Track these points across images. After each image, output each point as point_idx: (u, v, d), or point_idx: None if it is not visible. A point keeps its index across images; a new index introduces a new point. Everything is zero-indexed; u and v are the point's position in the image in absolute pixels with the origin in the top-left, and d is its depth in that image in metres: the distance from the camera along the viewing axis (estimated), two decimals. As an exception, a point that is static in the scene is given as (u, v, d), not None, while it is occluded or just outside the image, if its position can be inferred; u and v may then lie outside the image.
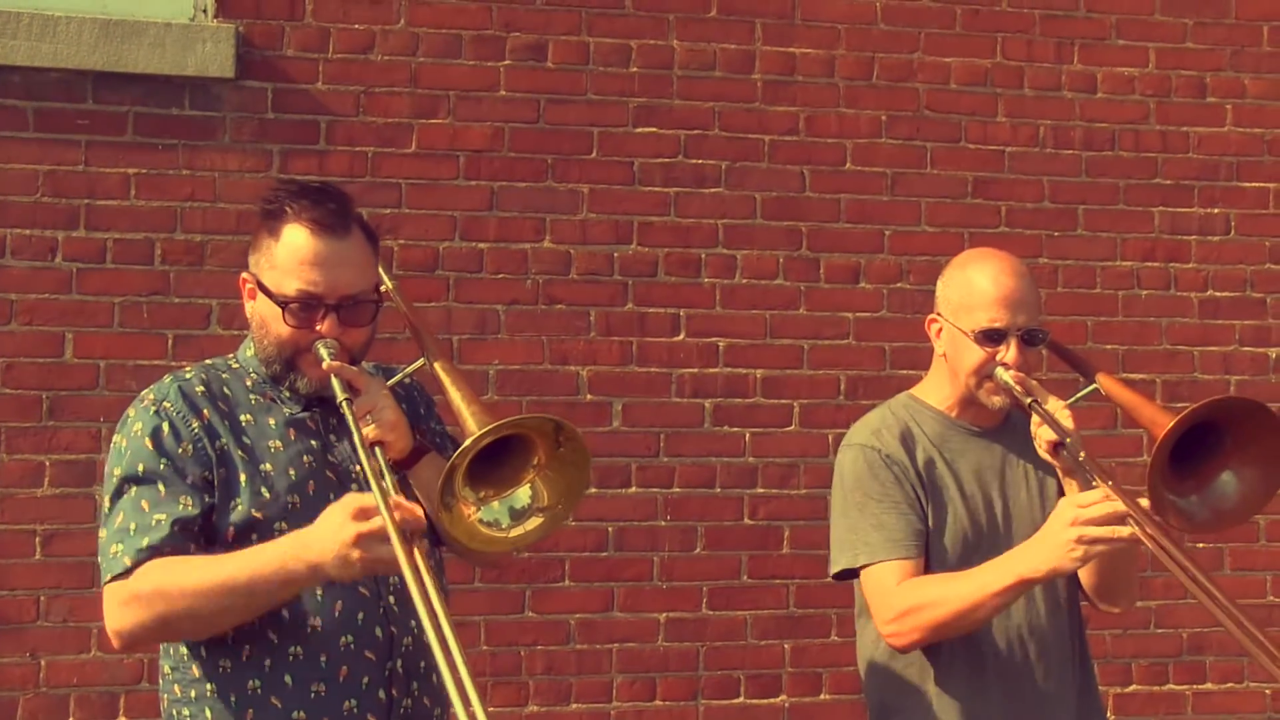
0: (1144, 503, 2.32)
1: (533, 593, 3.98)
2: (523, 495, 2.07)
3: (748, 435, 4.12)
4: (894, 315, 4.19)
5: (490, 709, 4.23)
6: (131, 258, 3.83)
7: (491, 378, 4.00)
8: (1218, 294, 4.45)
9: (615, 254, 4.10)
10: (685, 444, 4.08)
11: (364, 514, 1.97)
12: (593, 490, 4.01)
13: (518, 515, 2.07)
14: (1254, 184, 4.50)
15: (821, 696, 4.10)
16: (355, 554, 1.95)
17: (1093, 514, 2.31)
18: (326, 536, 1.98)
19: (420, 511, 1.99)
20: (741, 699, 4.07)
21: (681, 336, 4.11)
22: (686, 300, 4.11)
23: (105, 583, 2.13)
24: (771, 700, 4.08)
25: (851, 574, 2.57)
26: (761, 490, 4.12)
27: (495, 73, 4.05)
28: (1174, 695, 4.35)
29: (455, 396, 2.13)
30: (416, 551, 1.93)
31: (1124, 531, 2.29)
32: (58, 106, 3.81)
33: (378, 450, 2.11)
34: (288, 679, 2.13)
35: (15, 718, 3.70)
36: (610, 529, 4.03)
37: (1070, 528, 2.32)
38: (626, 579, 4.03)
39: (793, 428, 4.14)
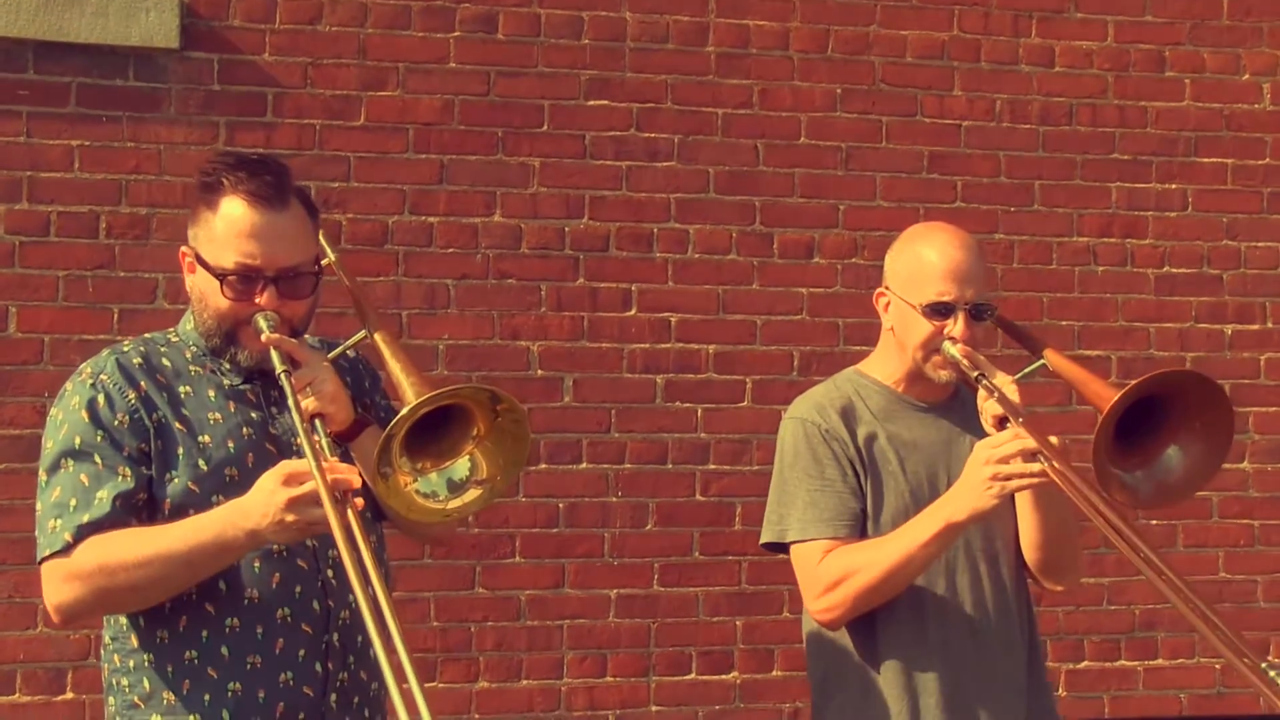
0: (1054, 440, 2.44)
1: (483, 568, 4.16)
2: (461, 467, 2.14)
3: (700, 411, 4.30)
4: (848, 291, 4.36)
5: (440, 685, 4.39)
6: (75, 231, 3.96)
7: (441, 353, 4.16)
8: (1174, 270, 4.64)
9: (566, 228, 4.26)
10: (637, 420, 4.25)
11: (296, 479, 2.06)
12: (543, 466, 4.19)
13: (455, 487, 2.13)
14: (1212, 159, 4.68)
15: (773, 673, 4.30)
16: (290, 517, 2.05)
17: (1003, 451, 2.44)
18: (261, 502, 2.08)
19: (355, 473, 2.07)
20: (693, 675, 4.26)
21: (633, 312, 4.28)
22: (638, 275, 4.27)
23: (43, 558, 2.22)
24: (723, 676, 4.28)
25: (779, 548, 2.69)
26: (714, 466, 4.30)
27: (445, 44, 4.19)
28: (1125, 671, 4.55)
29: (394, 368, 2.19)
30: (350, 514, 2.01)
31: (1035, 467, 2.41)
32: None
33: (318, 422, 2.19)
34: (224, 650, 2.23)
35: (-39, 692, 3.87)
36: (561, 505, 4.21)
37: (984, 466, 2.45)
38: (577, 555, 4.20)
39: (745, 404, 4.32)
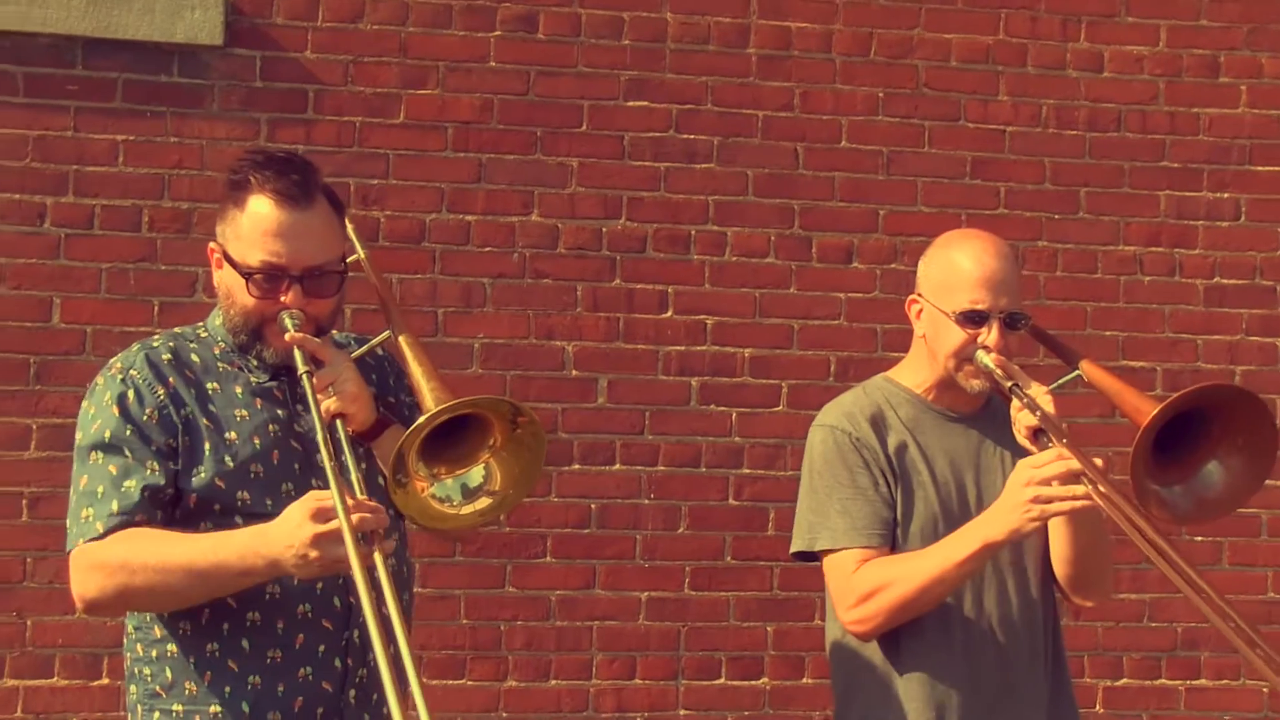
0: (1098, 462, 2.42)
1: (514, 568, 4.20)
2: (476, 475, 2.16)
3: (734, 415, 4.31)
4: (886, 296, 4.36)
5: (469, 683, 4.43)
6: (119, 224, 4.05)
7: (476, 351, 4.22)
8: (1225, 281, 4.59)
9: (604, 229, 4.29)
10: (670, 422, 4.27)
11: (322, 515, 2.09)
12: (576, 466, 4.23)
13: (469, 493, 2.17)
14: (1268, 168, 4.62)
15: (803, 680, 4.30)
16: (313, 554, 2.08)
17: (1046, 473, 2.42)
18: (285, 534, 2.11)
19: (383, 513, 2.10)
20: (722, 680, 4.28)
21: (669, 313, 4.31)
22: (675, 277, 4.30)
23: (72, 546, 2.27)
24: (753, 682, 4.29)
25: (809, 556, 2.69)
26: (747, 470, 4.31)
27: (485, 43, 4.25)
28: (1166, 690, 4.50)
29: (416, 371, 2.23)
30: (377, 554, 2.05)
31: (1079, 490, 2.39)
32: (47, 72, 4.04)
33: (338, 422, 2.23)
34: (245, 644, 2.27)
35: (3, 674, 3.95)
36: (593, 506, 4.24)
37: (1025, 488, 2.43)
38: (608, 557, 4.23)
39: (780, 408, 4.33)
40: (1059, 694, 2.71)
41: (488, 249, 4.23)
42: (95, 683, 4.02)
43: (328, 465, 2.14)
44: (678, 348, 4.30)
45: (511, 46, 4.25)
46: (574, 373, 4.26)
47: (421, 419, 2.08)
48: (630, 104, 4.30)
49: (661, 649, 4.24)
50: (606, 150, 4.27)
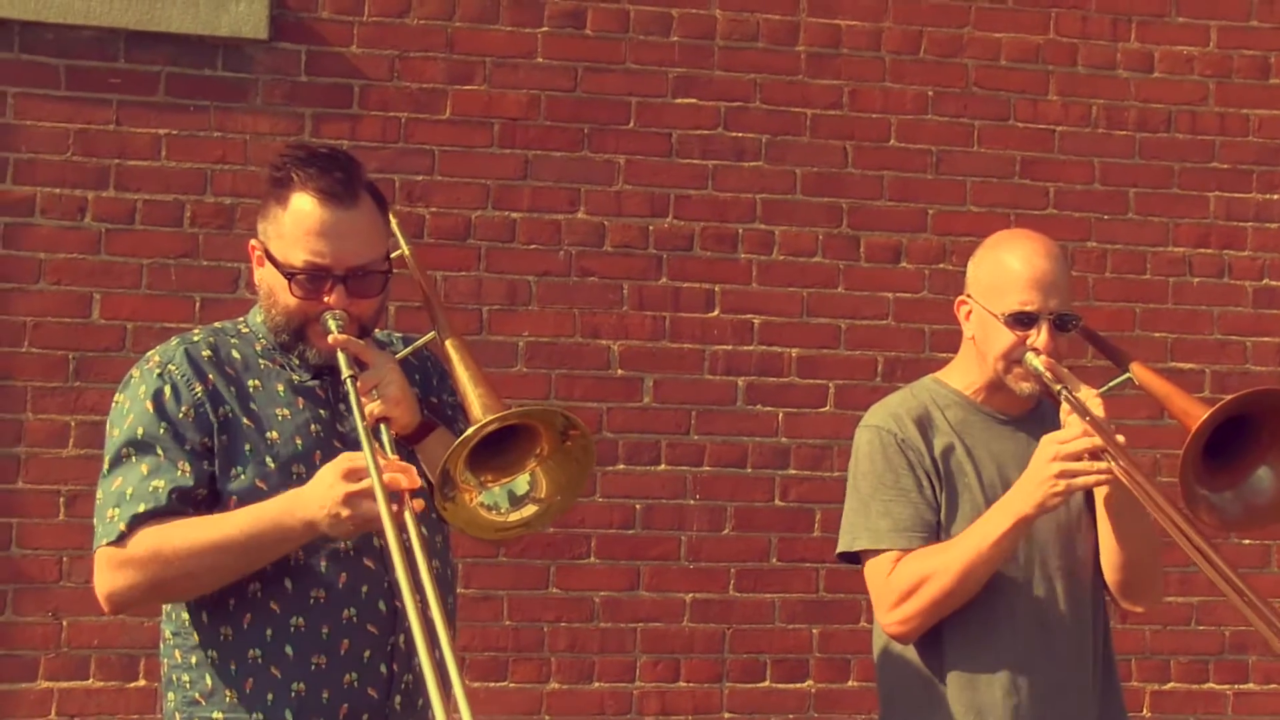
0: (1120, 439, 2.45)
1: (557, 568, 4.19)
2: (522, 483, 2.15)
3: (781, 415, 4.31)
4: (935, 296, 4.35)
5: (511, 684, 4.41)
6: (161, 219, 4.03)
7: (521, 349, 4.21)
8: (1274, 283, 4.58)
9: (650, 227, 4.29)
10: (717, 422, 4.26)
11: (354, 474, 2.07)
12: (621, 466, 4.22)
13: (517, 501, 2.15)
14: (1317, 169, 4.63)
15: (849, 683, 4.29)
16: (345, 512, 2.06)
17: (1071, 449, 2.46)
18: (319, 494, 2.09)
19: (413, 472, 2.08)
20: (767, 683, 4.27)
21: (716, 313, 4.30)
22: (722, 276, 4.29)
23: (97, 547, 2.23)
24: (798, 685, 4.28)
25: (854, 558, 2.68)
26: (794, 471, 4.31)
27: (533, 39, 4.24)
28: (1214, 694, 4.50)
29: (463, 376, 2.20)
30: (407, 513, 2.03)
31: (1101, 466, 2.43)
32: (90, 65, 4.01)
33: (383, 426, 2.20)
34: (288, 650, 2.23)
35: (37, 676, 3.94)
36: (638, 506, 4.23)
37: (1050, 463, 2.46)
38: (652, 558, 4.22)
39: (827, 409, 4.32)
40: (1109, 699, 2.71)
41: (533, 246, 4.22)
42: (131, 684, 4.00)
43: (361, 433, 2.12)
44: (724, 347, 4.29)
45: (559, 42, 4.23)
46: (619, 372, 4.25)
47: (469, 430, 2.05)
48: (678, 101, 4.29)
49: (706, 651, 4.23)
50: (654, 148, 4.27)
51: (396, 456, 2.17)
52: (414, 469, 2.10)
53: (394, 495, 2.04)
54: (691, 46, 4.29)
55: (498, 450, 2.12)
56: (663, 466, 4.25)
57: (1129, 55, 4.52)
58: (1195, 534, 2.36)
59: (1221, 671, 4.51)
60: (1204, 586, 4.40)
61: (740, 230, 4.31)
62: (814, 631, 4.27)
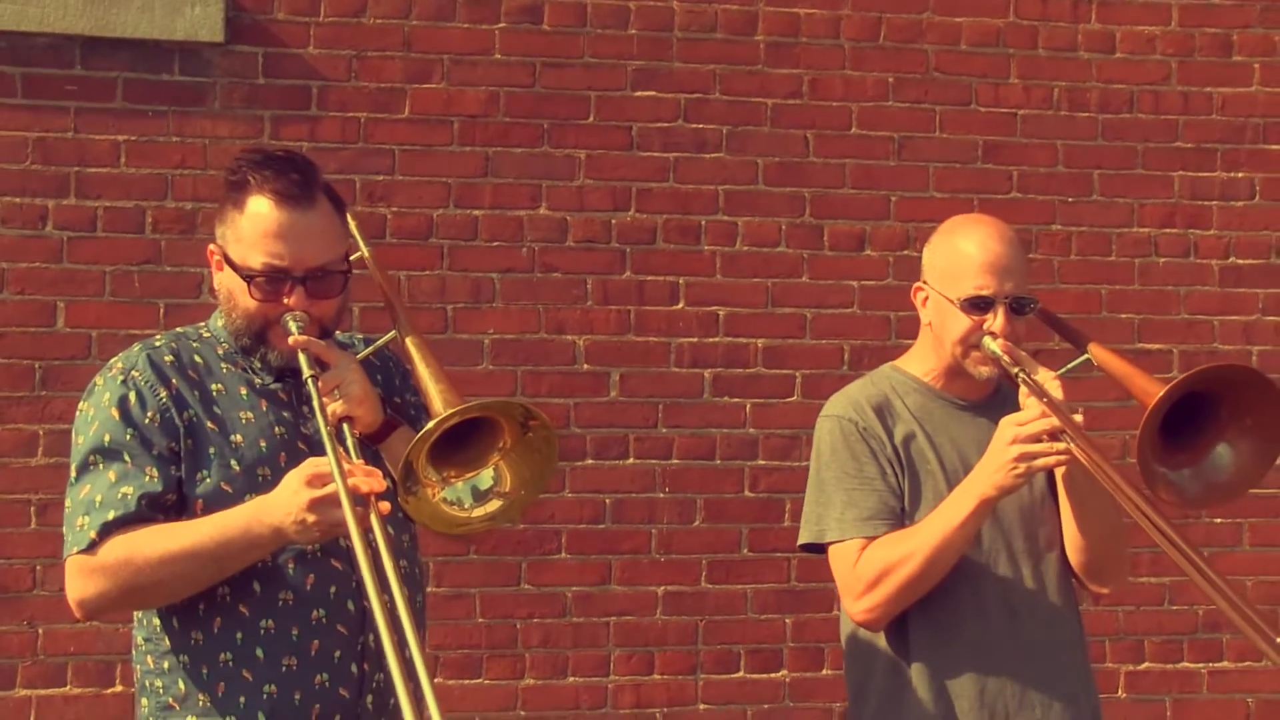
0: (1078, 418, 2.47)
1: (528, 565, 4.24)
2: (486, 477, 2.17)
3: (748, 406, 4.35)
4: (900, 284, 4.38)
5: (486, 681, 4.46)
6: (122, 226, 4.06)
7: (487, 347, 4.25)
8: (1240, 261, 4.62)
9: (613, 221, 4.32)
10: (684, 415, 4.30)
11: (319, 479, 2.11)
12: (589, 461, 4.27)
13: (480, 496, 2.17)
14: (1282, 146, 4.66)
15: (823, 672, 4.34)
16: (310, 518, 2.10)
17: (1030, 430, 2.49)
18: (285, 500, 2.13)
19: (379, 476, 2.11)
20: (741, 674, 4.32)
21: (681, 305, 4.34)
22: (686, 268, 4.32)
23: (68, 555, 2.26)
24: (772, 675, 4.33)
25: (818, 549, 2.70)
26: (763, 462, 4.35)
27: (490, 36, 4.26)
28: (1188, 673, 4.55)
29: (423, 373, 2.23)
30: (373, 516, 2.05)
31: (1060, 446, 2.46)
32: (46, 72, 4.04)
33: (346, 425, 2.24)
34: (259, 652, 2.26)
35: (15, 684, 3.98)
36: (608, 501, 4.28)
37: (1010, 446, 2.49)
38: (624, 552, 4.26)
39: (795, 398, 4.37)
40: (1080, 682, 2.73)
41: (496, 243, 4.26)
42: (108, 690, 4.05)
43: (325, 437, 2.14)
44: (690, 340, 4.33)
45: (517, 38, 4.27)
46: (585, 367, 4.29)
47: (430, 424, 2.08)
48: (638, 94, 4.33)
49: (679, 643, 4.28)
50: (615, 141, 4.30)
51: (361, 459, 2.20)
52: (379, 472, 2.14)
53: (360, 499, 2.06)
54: (650, 39, 4.33)
55: (460, 446, 2.14)
56: (631, 460, 4.29)
57: (1090, 36, 4.55)
58: (1155, 513, 2.37)
59: (1195, 650, 4.56)
60: (1176, 566, 4.42)
61: (703, 222, 4.35)
62: (787, 621, 4.32)
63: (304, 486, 2.12)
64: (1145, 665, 4.53)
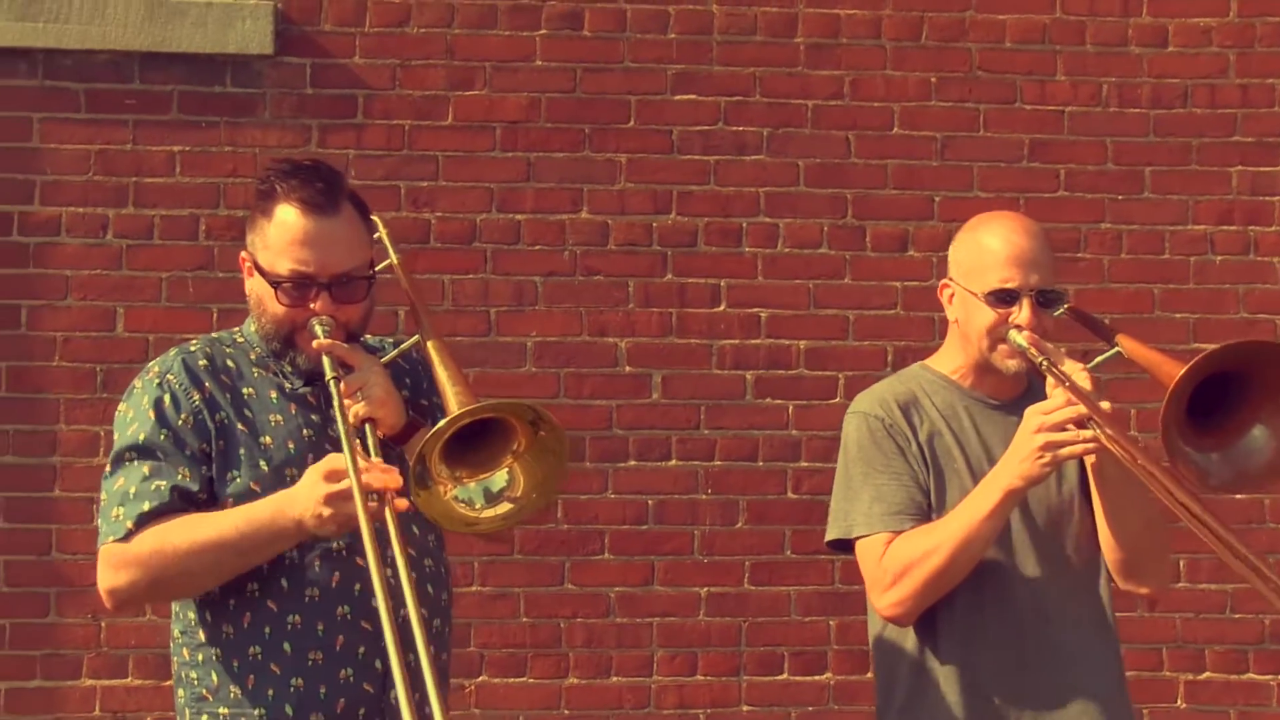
0: (1106, 405, 2.52)
1: (572, 565, 4.41)
2: (499, 479, 2.29)
3: (790, 408, 4.49)
4: (945, 284, 4.47)
5: (530, 680, 4.59)
6: (177, 234, 4.42)
7: (529, 350, 4.43)
8: (1303, 257, 4.64)
9: (654, 224, 4.49)
10: (726, 416, 4.50)
11: (335, 475, 2.25)
12: (632, 463, 4.43)
13: (492, 498, 2.29)
14: (1348, 139, 4.66)
15: (868, 675, 4.37)
16: (326, 512, 2.25)
17: (1055, 418, 2.53)
18: (303, 495, 2.29)
19: (394, 473, 2.24)
20: (785, 675, 4.44)
21: (722, 307, 4.49)
22: (727, 270, 4.52)
23: (102, 544, 2.43)
24: (816, 678, 4.44)
25: (844, 546, 2.79)
26: (805, 464, 4.48)
27: (531, 42, 4.49)
28: (1255, 685, 4.55)
29: (441, 375, 2.36)
30: (389, 513, 2.20)
31: (1086, 434, 2.50)
32: (107, 88, 4.43)
33: (368, 427, 2.37)
34: (286, 647, 2.41)
35: (80, 674, 4.32)
36: (650, 502, 4.45)
37: (1035, 435, 2.54)
38: (666, 553, 4.47)
39: (837, 400, 4.49)
40: (1113, 687, 2.77)
41: (538, 247, 4.45)
42: (166, 682, 4.31)
43: (343, 434, 2.29)
44: (732, 341, 4.48)
45: (557, 44, 4.48)
46: (627, 369, 4.45)
47: (442, 422, 2.21)
48: (678, 98, 4.51)
49: (722, 644, 4.43)
50: (655, 145, 4.50)
51: (380, 458, 2.33)
52: (396, 470, 2.27)
53: (375, 495, 2.21)
54: (689, 42, 4.51)
55: (474, 448, 2.28)
56: (674, 462, 4.44)
57: (1141, 30, 4.64)
58: (1187, 496, 2.37)
59: (1262, 661, 4.57)
60: (1239, 574, 4.41)
61: (744, 224, 4.49)
62: (831, 623, 4.43)
63: (321, 481, 2.26)
64: (1206, 675, 4.55)
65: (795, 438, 4.50)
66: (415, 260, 4.39)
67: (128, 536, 2.39)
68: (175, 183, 4.39)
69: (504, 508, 2.29)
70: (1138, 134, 4.61)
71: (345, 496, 2.22)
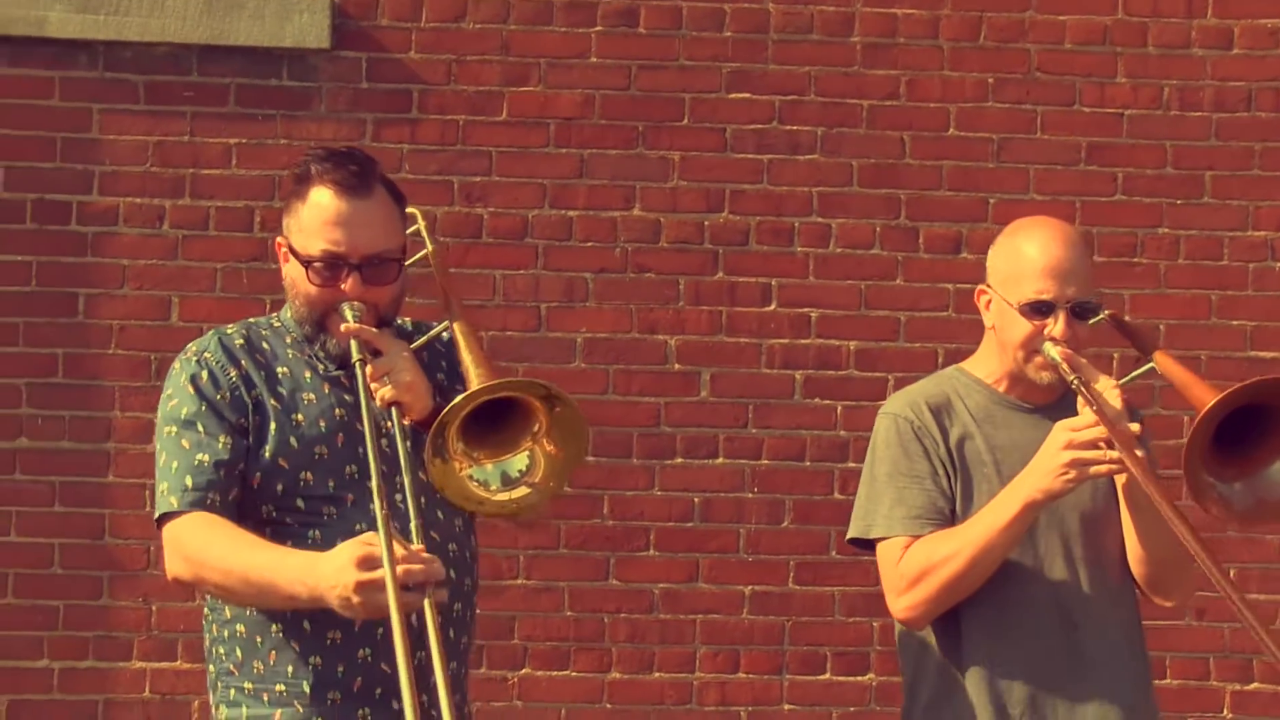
0: (1135, 428, 2.58)
1: (617, 560, 4.50)
2: (519, 461, 2.36)
3: (839, 408, 4.54)
4: (998, 287, 4.49)
5: (573, 674, 4.69)
6: (232, 225, 4.51)
7: (579, 345, 4.50)
8: (1368, 267, 4.63)
9: (706, 222, 4.55)
10: (774, 416, 4.56)
11: (367, 563, 2.25)
12: (679, 460, 4.50)
13: (509, 481, 2.36)
14: None
15: (911, 678, 4.47)
16: (356, 600, 2.27)
17: (1084, 436, 2.58)
18: (332, 574, 2.30)
19: (437, 563, 2.28)
20: (828, 675, 4.50)
21: (773, 307, 4.54)
22: (778, 270, 4.57)
23: (157, 520, 2.53)
24: (858, 678, 4.50)
25: (865, 545, 2.85)
26: (853, 465, 4.51)
27: (586, 39, 4.55)
28: (1306, 696, 4.56)
29: (466, 359, 2.43)
30: (427, 603, 2.23)
31: (1114, 454, 2.54)
32: (166, 80, 4.52)
33: (395, 411, 2.45)
34: (306, 625, 2.47)
35: (131, 657, 4.45)
36: (696, 499, 4.51)
37: (1061, 451, 2.59)
38: (711, 550, 4.54)
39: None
40: (1138, 694, 2.81)
41: (590, 244, 4.52)
42: (215, 667, 4.41)
43: (366, 419, 2.39)
44: (781, 341, 4.53)
45: (612, 42, 4.53)
46: (676, 366, 4.52)
47: (459, 398, 2.29)
48: (732, 96, 4.56)
49: (765, 643, 4.50)
50: (708, 143, 4.54)
51: (408, 442, 2.38)
52: (438, 560, 2.30)
53: (416, 586, 2.24)
54: (745, 41, 4.55)
55: (495, 430, 2.34)
56: (721, 460, 4.51)
57: (1205, 32, 4.63)
58: (1191, 535, 2.43)
59: (1313, 672, 4.54)
60: (1289, 584, 4.46)
61: (796, 224, 4.54)
62: (874, 625, 4.49)
63: (352, 566, 2.27)
64: (1254, 685, 4.58)
65: (843, 438, 4.54)
66: (466, 255, 4.49)
67: (175, 514, 2.48)
68: (231, 175, 4.48)
69: (519, 492, 2.35)
70: (1199, 138, 4.60)
71: (378, 587, 2.23)
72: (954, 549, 2.67)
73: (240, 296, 4.47)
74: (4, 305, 4.44)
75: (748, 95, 4.56)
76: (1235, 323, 4.59)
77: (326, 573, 2.31)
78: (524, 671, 4.46)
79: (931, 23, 4.58)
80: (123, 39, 4.44)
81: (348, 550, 2.30)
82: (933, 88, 4.58)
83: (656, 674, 4.50)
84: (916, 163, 4.57)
